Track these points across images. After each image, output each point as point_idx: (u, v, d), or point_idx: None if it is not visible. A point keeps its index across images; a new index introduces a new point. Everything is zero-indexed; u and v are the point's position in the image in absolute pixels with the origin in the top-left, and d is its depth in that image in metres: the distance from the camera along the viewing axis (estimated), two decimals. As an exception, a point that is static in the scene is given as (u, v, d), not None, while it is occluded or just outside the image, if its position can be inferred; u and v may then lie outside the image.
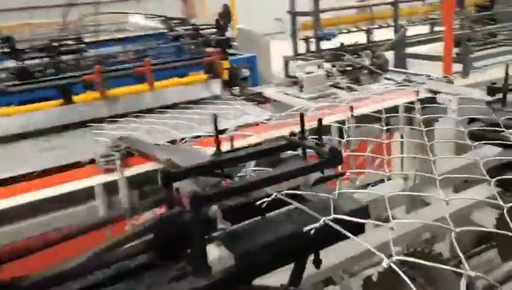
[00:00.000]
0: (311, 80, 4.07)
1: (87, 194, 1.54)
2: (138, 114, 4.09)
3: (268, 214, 1.28)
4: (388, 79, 4.43)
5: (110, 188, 1.56)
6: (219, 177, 1.31)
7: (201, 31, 5.36)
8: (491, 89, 1.95)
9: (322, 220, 1.11)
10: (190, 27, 5.42)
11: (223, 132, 1.89)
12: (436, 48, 10.68)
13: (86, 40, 5.29)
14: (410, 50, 9.00)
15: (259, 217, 1.27)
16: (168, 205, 1.13)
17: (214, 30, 5.61)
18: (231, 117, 3.68)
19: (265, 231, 1.17)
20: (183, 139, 1.94)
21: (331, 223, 1.12)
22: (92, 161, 3.51)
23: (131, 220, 1.18)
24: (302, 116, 1.36)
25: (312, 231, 1.11)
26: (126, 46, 5.26)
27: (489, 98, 2.00)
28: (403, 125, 2.05)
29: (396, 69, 3.57)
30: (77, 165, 2.99)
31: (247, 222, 1.23)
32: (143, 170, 1.59)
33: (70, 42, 5.10)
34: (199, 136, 1.90)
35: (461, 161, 1.89)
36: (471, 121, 1.96)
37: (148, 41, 5.48)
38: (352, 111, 1.92)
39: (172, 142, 2.17)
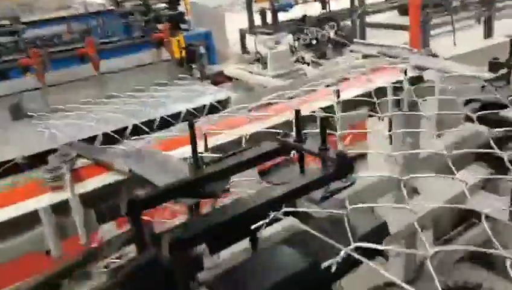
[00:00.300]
0: (275, 56, 3.80)
1: (30, 219, 1.23)
2: (85, 100, 3.71)
3: (262, 234, 1.03)
4: (354, 52, 4.22)
5: (60, 209, 1.25)
6: (200, 197, 1.04)
7: (151, 6, 4.95)
8: (494, 65, 1.74)
9: (343, 252, 0.86)
10: (139, 2, 5.00)
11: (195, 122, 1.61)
12: (389, 17, 10.59)
13: (24, 19, 4.78)
14: (367, 20, 8.85)
15: (250, 238, 1.02)
16: (138, 245, 0.85)
17: (165, 5, 5.22)
18: (187, 100, 3.39)
19: (265, 269, 0.91)
20: (144, 139, 1.64)
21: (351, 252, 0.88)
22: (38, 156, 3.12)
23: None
24: (297, 113, 1.10)
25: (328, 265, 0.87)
26: (70, 25, 4.80)
27: (488, 75, 1.79)
28: (395, 109, 1.82)
29: (367, 42, 3.33)
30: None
31: (239, 254, 0.97)
32: (100, 185, 1.29)
33: (5, 22, 4.60)
34: (165, 136, 1.60)
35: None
36: (469, 101, 1.76)
37: (94, 18, 5.03)
38: (339, 96, 1.67)
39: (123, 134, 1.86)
